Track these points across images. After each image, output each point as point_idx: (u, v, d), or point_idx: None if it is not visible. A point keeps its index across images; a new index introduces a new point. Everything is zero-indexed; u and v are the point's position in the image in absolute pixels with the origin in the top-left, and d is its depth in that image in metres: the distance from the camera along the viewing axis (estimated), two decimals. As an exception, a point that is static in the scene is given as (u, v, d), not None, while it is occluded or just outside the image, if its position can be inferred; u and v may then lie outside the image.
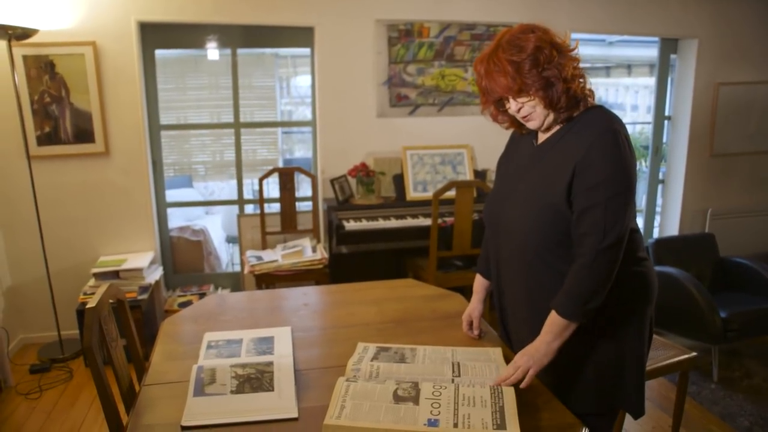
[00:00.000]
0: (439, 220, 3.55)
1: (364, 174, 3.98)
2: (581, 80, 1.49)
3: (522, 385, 1.45)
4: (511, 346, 1.77)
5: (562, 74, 1.44)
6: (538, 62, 1.43)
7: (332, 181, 3.98)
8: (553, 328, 1.47)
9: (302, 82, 5.70)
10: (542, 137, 1.60)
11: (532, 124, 1.55)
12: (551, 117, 1.51)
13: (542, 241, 1.52)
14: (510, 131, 1.81)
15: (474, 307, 1.89)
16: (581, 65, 1.51)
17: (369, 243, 3.85)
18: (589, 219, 1.43)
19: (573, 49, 1.49)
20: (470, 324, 1.88)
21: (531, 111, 1.51)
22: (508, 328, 1.78)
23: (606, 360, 1.56)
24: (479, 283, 1.91)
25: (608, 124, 1.45)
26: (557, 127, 1.56)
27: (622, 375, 1.58)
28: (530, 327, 1.59)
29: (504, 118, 1.64)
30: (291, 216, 4.07)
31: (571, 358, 1.55)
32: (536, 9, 4.19)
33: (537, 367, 1.47)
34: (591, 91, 1.53)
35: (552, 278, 1.52)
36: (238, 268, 4.64)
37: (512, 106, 1.53)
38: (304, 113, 5.64)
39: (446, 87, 4.23)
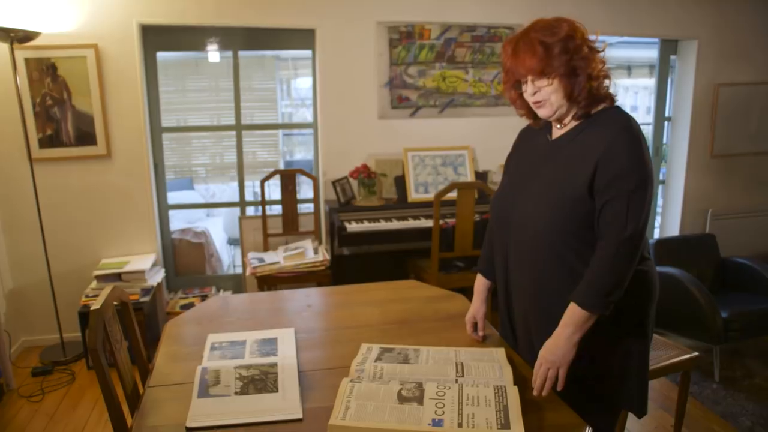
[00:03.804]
0: (441, 222, 3.55)
1: (366, 175, 3.98)
2: (606, 81, 1.51)
3: (559, 388, 1.48)
4: (515, 345, 1.77)
5: (588, 69, 1.46)
6: (568, 49, 1.45)
7: (334, 183, 3.99)
8: (574, 320, 1.47)
9: (303, 84, 5.72)
10: (557, 132, 1.61)
11: (542, 112, 1.55)
12: (564, 109, 1.52)
13: (559, 234, 1.52)
14: (515, 132, 1.81)
15: (477, 308, 1.88)
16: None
17: (371, 244, 3.86)
18: (611, 211, 1.45)
19: (601, 50, 1.51)
20: (474, 326, 1.87)
21: (546, 98, 1.51)
22: (514, 327, 1.77)
23: (610, 359, 1.57)
24: (481, 283, 1.90)
25: (627, 121, 1.48)
26: (574, 123, 1.56)
27: (626, 374, 1.58)
28: (538, 326, 1.59)
29: (522, 103, 1.63)
30: (292, 218, 4.07)
31: (576, 357, 1.56)
32: (537, 10, 4.14)
33: (566, 365, 1.48)
34: (613, 94, 1.55)
35: (564, 276, 1.53)
36: (239, 270, 4.64)
37: (528, 89, 1.53)
38: (305, 115, 5.66)
39: (447, 88, 4.24)
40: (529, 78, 1.51)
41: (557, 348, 1.48)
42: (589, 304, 1.46)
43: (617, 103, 1.55)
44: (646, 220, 1.47)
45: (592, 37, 1.51)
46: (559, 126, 1.60)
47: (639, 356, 1.59)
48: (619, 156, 1.43)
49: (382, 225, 3.74)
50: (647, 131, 5.01)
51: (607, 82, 1.51)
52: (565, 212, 1.50)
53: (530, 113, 1.64)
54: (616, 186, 1.44)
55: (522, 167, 1.70)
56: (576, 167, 1.50)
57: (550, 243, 1.54)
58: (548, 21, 1.51)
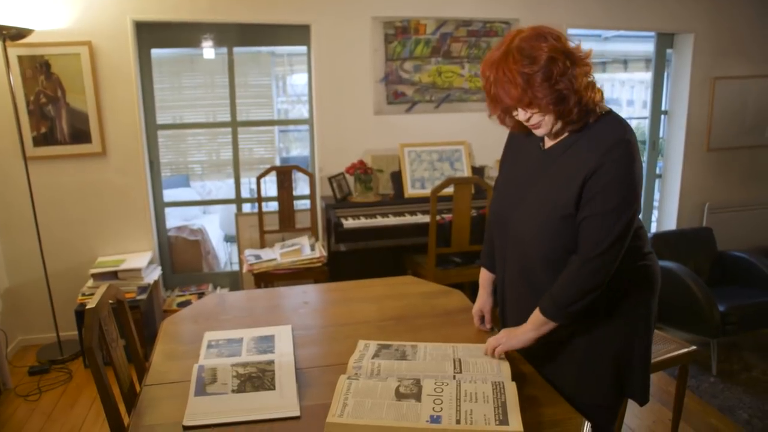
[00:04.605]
0: (438, 217, 3.55)
1: (362, 171, 3.97)
2: (593, 89, 1.44)
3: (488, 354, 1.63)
4: None
5: (575, 86, 1.40)
6: (551, 75, 1.38)
7: (330, 179, 3.98)
8: (534, 321, 1.55)
9: (298, 80, 5.69)
10: (550, 142, 1.58)
11: (539, 132, 1.52)
12: (559, 125, 1.48)
13: (550, 243, 1.53)
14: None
15: (484, 300, 1.90)
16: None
17: (367, 240, 3.85)
18: (586, 228, 1.45)
19: (586, 57, 1.44)
20: (481, 318, 1.90)
21: (540, 119, 1.47)
22: (507, 325, 1.78)
23: (616, 350, 1.58)
24: (485, 276, 1.92)
25: (620, 134, 1.43)
26: (567, 133, 1.52)
27: (631, 364, 1.60)
28: None
29: (512, 121, 1.59)
30: (289, 214, 4.06)
31: (587, 351, 1.58)
32: (533, 5, 4.18)
33: (505, 348, 1.59)
34: (601, 93, 1.49)
35: (553, 281, 1.53)
36: (236, 267, 4.64)
37: (521, 114, 1.49)
38: (301, 111, 5.64)
39: (443, 84, 4.22)
40: (519, 107, 1.47)
41: (514, 336, 1.58)
42: (547, 312, 1.51)
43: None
44: (622, 240, 1.43)
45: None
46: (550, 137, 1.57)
47: (643, 346, 1.60)
48: (606, 174, 1.40)
49: (379, 221, 3.73)
50: (644, 125, 5.01)
51: (593, 89, 1.44)
52: (556, 226, 1.50)
53: (520, 126, 1.60)
54: (596, 203, 1.42)
55: (517, 175, 1.68)
56: (566, 184, 1.48)
57: (545, 256, 1.56)
58: (526, 41, 1.41)
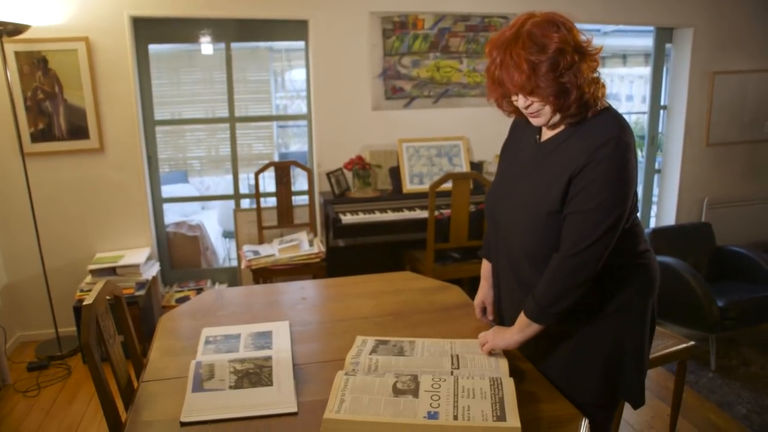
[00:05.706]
0: (436, 213, 3.54)
1: (360, 167, 3.97)
2: (596, 85, 1.41)
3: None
4: None
5: (578, 81, 1.37)
6: (557, 66, 1.36)
7: (328, 175, 3.97)
8: (519, 323, 1.54)
9: (297, 75, 5.69)
10: (546, 134, 1.56)
11: (537, 121, 1.50)
12: (557, 117, 1.46)
13: (537, 246, 1.52)
14: (510, 122, 1.79)
15: (486, 292, 1.88)
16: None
17: (366, 236, 3.85)
18: (567, 225, 1.44)
19: (596, 52, 1.42)
20: (483, 310, 1.89)
21: (539, 109, 1.45)
22: (503, 318, 1.78)
23: (608, 351, 1.56)
24: (487, 267, 1.88)
25: (613, 132, 1.40)
26: (563, 127, 1.50)
27: (623, 365, 1.58)
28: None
29: (509, 107, 1.58)
30: (287, 210, 4.06)
31: (575, 349, 1.57)
32: (531, 0, 4.16)
33: (491, 347, 1.59)
34: (604, 89, 1.46)
35: (539, 278, 1.52)
36: (234, 263, 4.64)
37: (521, 101, 1.47)
38: (299, 107, 5.63)
39: (441, 79, 4.21)
40: (521, 94, 1.45)
41: (501, 337, 1.58)
42: (530, 314, 1.50)
43: (612, 98, 1.51)
44: (604, 240, 1.40)
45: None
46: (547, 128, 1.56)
47: (636, 347, 1.58)
48: (592, 171, 1.38)
49: (377, 216, 3.72)
50: (643, 120, 5.00)
51: (597, 85, 1.42)
52: (542, 222, 1.49)
53: (518, 112, 1.58)
54: (579, 200, 1.40)
55: (512, 167, 1.67)
56: (553, 181, 1.46)
57: (527, 249, 1.55)
58: (538, 27, 1.38)
